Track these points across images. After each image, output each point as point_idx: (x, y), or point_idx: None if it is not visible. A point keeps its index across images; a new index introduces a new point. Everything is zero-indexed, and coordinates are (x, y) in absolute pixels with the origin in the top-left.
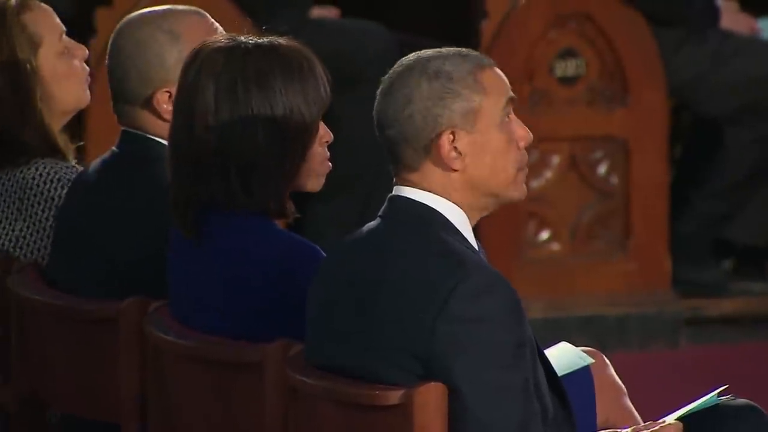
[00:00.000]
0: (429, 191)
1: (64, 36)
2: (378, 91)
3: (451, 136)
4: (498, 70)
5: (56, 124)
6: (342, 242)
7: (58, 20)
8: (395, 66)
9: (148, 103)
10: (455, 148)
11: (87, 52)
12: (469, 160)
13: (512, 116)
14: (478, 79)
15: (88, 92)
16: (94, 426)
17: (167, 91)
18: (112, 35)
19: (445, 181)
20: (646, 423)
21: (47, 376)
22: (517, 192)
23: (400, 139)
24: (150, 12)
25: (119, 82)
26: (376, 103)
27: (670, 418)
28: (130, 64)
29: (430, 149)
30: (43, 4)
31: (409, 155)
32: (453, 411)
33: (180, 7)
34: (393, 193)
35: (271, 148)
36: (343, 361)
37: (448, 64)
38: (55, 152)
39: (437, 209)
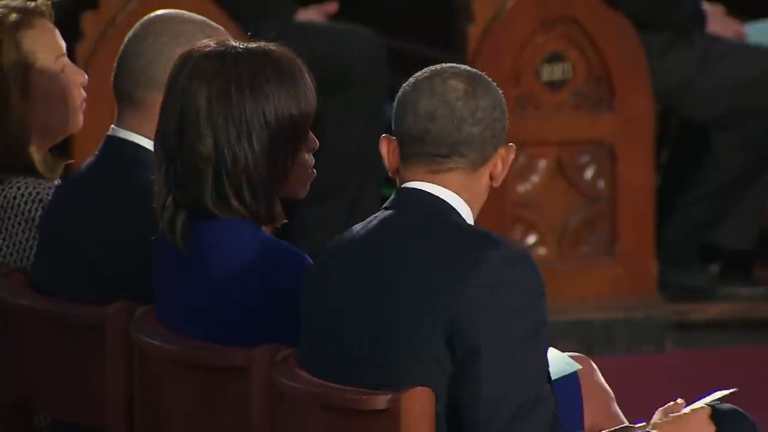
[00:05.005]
0: (443, 187)
1: (63, 59)
2: (460, 85)
3: (504, 153)
4: None
5: (42, 144)
6: (342, 241)
7: (59, 41)
8: (475, 73)
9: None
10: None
11: (86, 78)
12: (501, 176)
13: None
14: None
15: (80, 118)
16: (81, 430)
17: None
18: (143, 22)
19: (469, 186)
20: (673, 412)
21: (34, 380)
22: None
23: (475, 139)
24: (188, 14)
25: (139, 65)
26: (455, 97)
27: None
28: (163, 50)
29: (487, 159)
30: (47, 23)
31: (467, 158)
32: (469, 377)
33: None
34: (402, 185)
35: (263, 154)
36: (358, 355)
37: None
38: (31, 172)
39: (451, 204)
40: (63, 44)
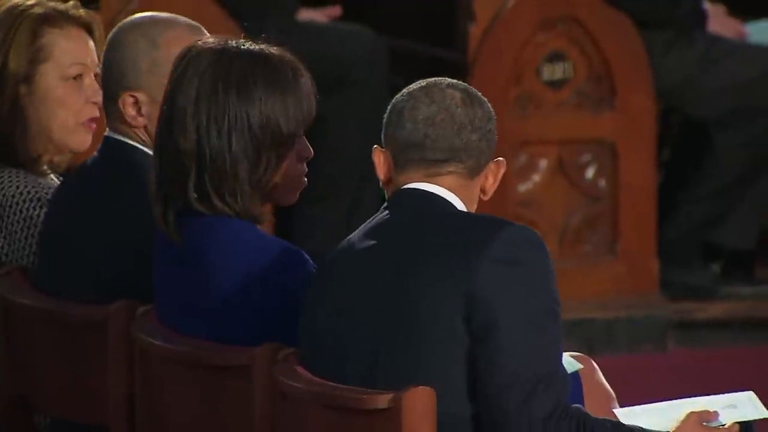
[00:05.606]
0: (441, 187)
1: (82, 68)
2: (457, 94)
3: (494, 167)
4: None
5: (44, 148)
6: (341, 248)
7: (85, 52)
8: (468, 86)
9: (115, 104)
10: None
11: (101, 98)
12: (491, 189)
13: None
14: None
15: (84, 137)
16: (82, 429)
17: (132, 95)
18: (111, 33)
19: (464, 191)
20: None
21: (35, 379)
22: None
23: (473, 146)
24: (143, 17)
25: (102, 79)
26: (454, 104)
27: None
28: (110, 62)
29: (481, 170)
30: (81, 33)
31: (465, 164)
32: (487, 349)
33: (177, 17)
34: (400, 188)
35: (244, 157)
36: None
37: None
38: (14, 165)
39: (450, 201)
40: (91, 58)
